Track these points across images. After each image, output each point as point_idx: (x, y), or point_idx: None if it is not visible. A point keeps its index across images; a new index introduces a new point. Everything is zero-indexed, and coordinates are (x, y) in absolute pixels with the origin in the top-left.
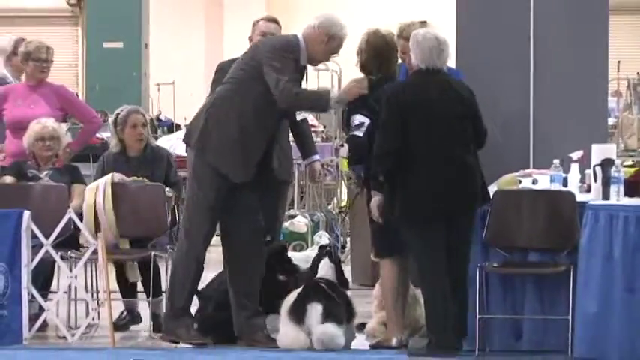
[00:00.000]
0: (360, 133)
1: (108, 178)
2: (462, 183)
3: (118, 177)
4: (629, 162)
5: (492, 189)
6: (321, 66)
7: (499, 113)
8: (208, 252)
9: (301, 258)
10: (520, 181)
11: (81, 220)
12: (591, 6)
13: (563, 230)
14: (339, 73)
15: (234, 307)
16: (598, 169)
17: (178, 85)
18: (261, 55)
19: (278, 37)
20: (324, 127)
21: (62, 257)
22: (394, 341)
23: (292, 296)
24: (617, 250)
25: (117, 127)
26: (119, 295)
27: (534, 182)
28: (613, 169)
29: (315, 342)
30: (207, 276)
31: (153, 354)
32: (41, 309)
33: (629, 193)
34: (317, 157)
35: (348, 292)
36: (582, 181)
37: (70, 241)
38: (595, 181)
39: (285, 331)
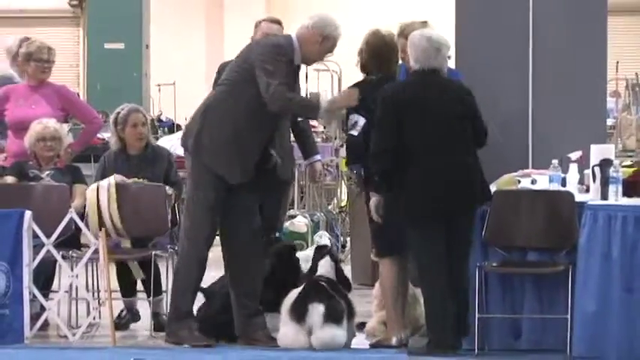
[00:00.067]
0: (355, 132)
1: (111, 179)
2: (461, 183)
3: (118, 178)
4: (628, 162)
5: (492, 189)
6: (321, 66)
7: (498, 113)
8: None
9: (302, 258)
10: (519, 181)
11: (82, 219)
12: (590, 7)
13: (562, 230)
14: (339, 74)
15: (234, 307)
16: (597, 169)
17: (179, 85)
18: (254, 57)
19: (271, 39)
20: (324, 127)
21: (63, 257)
22: (394, 340)
23: (293, 295)
24: (615, 250)
25: (117, 126)
26: (120, 295)
27: (533, 182)
28: (612, 169)
29: (316, 344)
30: (209, 275)
31: (153, 353)
32: (42, 308)
33: (627, 193)
34: (318, 157)
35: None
36: (581, 181)
37: (71, 241)
38: (594, 181)
39: (286, 330)
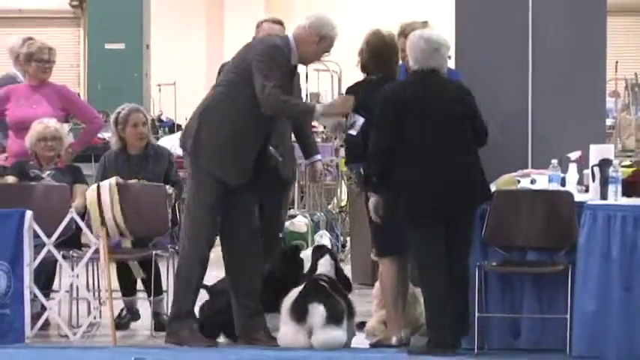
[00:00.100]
0: (353, 132)
1: (112, 180)
2: (461, 183)
3: (120, 180)
4: (627, 162)
5: (491, 189)
6: (321, 66)
7: (498, 113)
8: None
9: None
10: (519, 181)
11: (82, 219)
12: (589, 7)
13: (561, 230)
14: (339, 74)
15: (234, 307)
16: (596, 169)
17: (179, 85)
18: (250, 57)
19: (267, 40)
20: (324, 127)
21: (64, 256)
22: (394, 340)
23: (293, 295)
24: (615, 250)
25: (118, 125)
26: (120, 295)
27: (533, 182)
28: (611, 169)
29: (317, 345)
30: (210, 275)
31: (154, 353)
32: (43, 308)
33: (627, 192)
34: (319, 156)
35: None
36: (580, 181)
37: (71, 241)
38: (593, 181)
39: (285, 330)
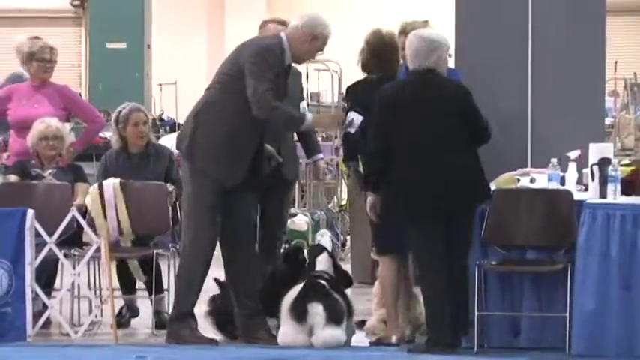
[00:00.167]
0: (351, 130)
1: (116, 180)
2: (461, 182)
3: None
4: (626, 161)
5: (491, 188)
6: (321, 66)
7: (498, 113)
8: None
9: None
10: (518, 180)
11: (84, 218)
12: (589, 7)
13: (560, 228)
14: (340, 73)
15: (235, 307)
16: (595, 168)
17: (180, 85)
18: (243, 59)
19: (260, 41)
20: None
21: (65, 255)
22: (394, 338)
23: (293, 294)
24: (614, 249)
25: (118, 124)
26: (121, 293)
27: (532, 181)
28: (610, 168)
29: (317, 345)
30: (210, 275)
31: (155, 351)
32: (45, 306)
33: (625, 191)
34: (321, 155)
35: (348, 290)
36: (580, 180)
37: (73, 239)
38: (592, 180)
39: (285, 330)
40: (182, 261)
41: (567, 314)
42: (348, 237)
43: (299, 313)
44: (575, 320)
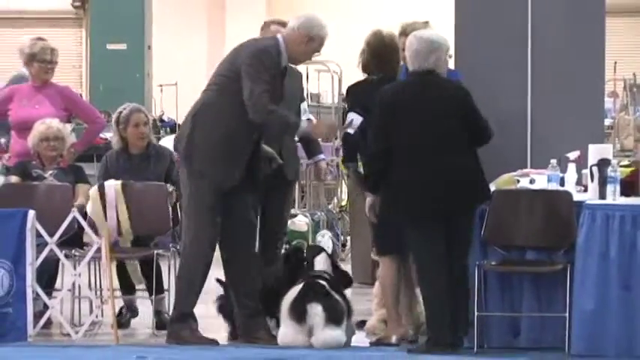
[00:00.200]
0: (351, 131)
1: (117, 182)
2: (460, 183)
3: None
4: (626, 162)
5: (491, 188)
6: (321, 67)
7: (497, 113)
8: None
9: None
10: (518, 181)
11: (85, 219)
12: (588, 7)
13: (560, 229)
14: (340, 74)
15: (235, 307)
16: (595, 169)
17: (181, 85)
18: (240, 60)
19: (257, 43)
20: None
21: (66, 256)
22: (394, 338)
23: (292, 294)
24: (613, 249)
25: (119, 125)
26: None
27: (532, 182)
28: (609, 168)
29: (317, 346)
30: (210, 274)
31: (156, 351)
32: (45, 307)
33: (625, 192)
34: (322, 156)
35: (349, 290)
36: (579, 180)
37: (74, 240)
38: (592, 180)
39: (285, 330)
40: (183, 261)
41: (567, 314)
42: (348, 237)
43: (298, 313)
44: (575, 320)
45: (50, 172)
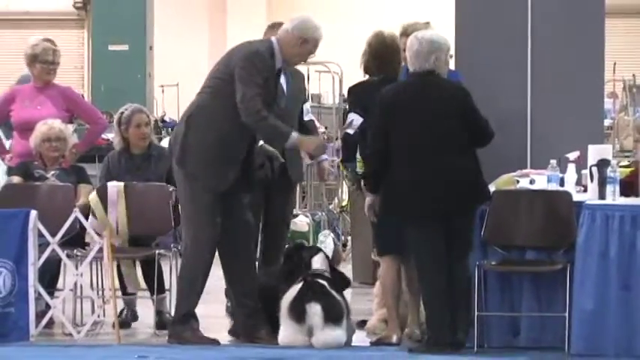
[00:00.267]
0: (350, 131)
1: (120, 183)
2: (460, 183)
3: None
4: (625, 162)
5: (490, 189)
6: (322, 68)
7: (497, 113)
8: None
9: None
10: (518, 181)
11: (86, 219)
12: (588, 8)
13: (560, 229)
14: (340, 75)
15: (234, 306)
16: (594, 170)
17: (182, 86)
18: (234, 63)
19: (251, 46)
20: (326, 127)
21: (68, 256)
22: (394, 338)
23: (291, 293)
24: (613, 249)
25: (121, 126)
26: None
27: (532, 182)
28: (609, 169)
29: (317, 346)
30: (212, 274)
31: (157, 351)
32: (47, 306)
33: (624, 192)
34: (325, 156)
35: (349, 290)
36: (579, 181)
37: (75, 240)
38: (591, 181)
39: (285, 330)
40: (184, 262)
41: (567, 314)
42: (349, 237)
43: (298, 313)
44: (575, 320)
45: (52, 172)
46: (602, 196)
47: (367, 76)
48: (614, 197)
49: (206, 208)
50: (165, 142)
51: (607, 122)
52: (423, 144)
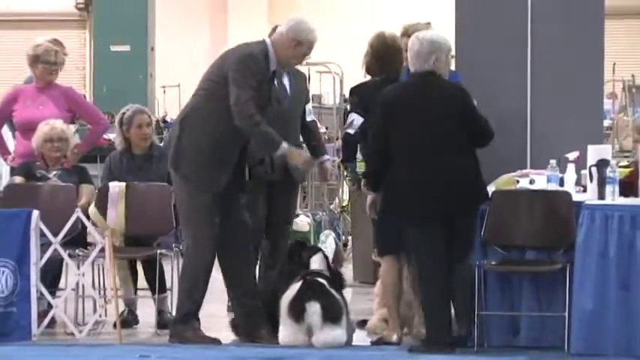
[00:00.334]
0: (351, 131)
1: (122, 184)
2: (460, 184)
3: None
4: (624, 162)
5: (490, 189)
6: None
7: (497, 113)
8: None
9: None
10: (517, 181)
11: (88, 219)
12: (588, 9)
13: (559, 229)
14: (341, 75)
15: (234, 306)
16: (594, 170)
17: (183, 87)
18: (228, 66)
19: (245, 48)
20: (326, 128)
21: (70, 255)
22: (395, 338)
23: (291, 293)
24: (612, 249)
25: (122, 126)
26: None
27: (531, 182)
28: (608, 169)
29: (317, 345)
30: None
31: (159, 350)
32: (49, 306)
33: (624, 192)
34: (327, 156)
35: (349, 289)
36: (578, 181)
37: (77, 240)
38: (591, 181)
39: (285, 329)
40: (185, 262)
41: (566, 314)
42: (350, 237)
43: (297, 312)
44: (574, 320)
45: (54, 172)
46: (601, 196)
47: (369, 77)
48: (613, 197)
49: (204, 208)
50: None
51: (606, 122)
52: (423, 144)
